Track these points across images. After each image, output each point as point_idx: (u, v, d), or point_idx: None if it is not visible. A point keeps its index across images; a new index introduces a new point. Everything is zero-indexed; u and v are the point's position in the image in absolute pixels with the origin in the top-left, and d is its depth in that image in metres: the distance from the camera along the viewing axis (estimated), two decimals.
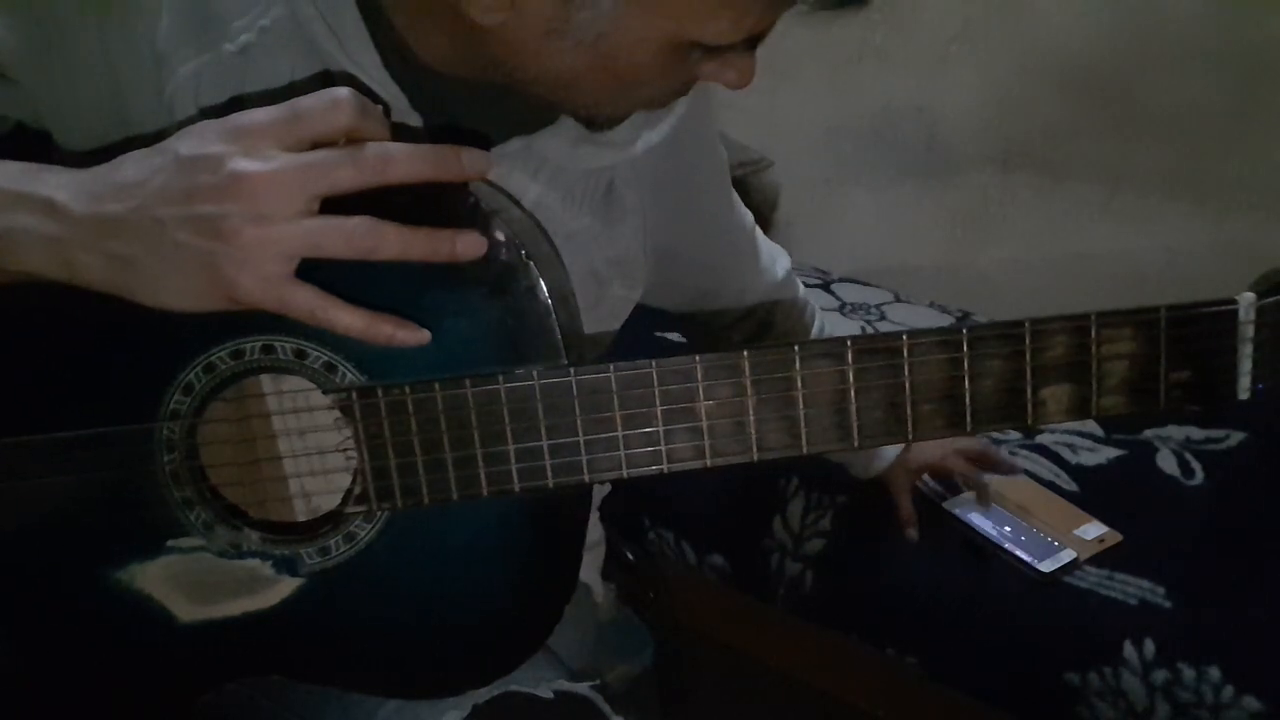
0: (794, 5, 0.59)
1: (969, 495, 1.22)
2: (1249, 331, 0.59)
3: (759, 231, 1.00)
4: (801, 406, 0.60)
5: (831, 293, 1.78)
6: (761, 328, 1.04)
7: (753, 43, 0.63)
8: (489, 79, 0.65)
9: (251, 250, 0.54)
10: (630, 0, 0.57)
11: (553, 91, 0.65)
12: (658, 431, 0.60)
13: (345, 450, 0.64)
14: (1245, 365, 0.60)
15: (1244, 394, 0.61)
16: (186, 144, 0.55)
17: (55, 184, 0.57)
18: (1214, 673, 1.02)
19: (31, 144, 0.65)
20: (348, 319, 0.57)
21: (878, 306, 1.73)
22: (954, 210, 1.95)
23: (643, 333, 0.90)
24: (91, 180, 0.56)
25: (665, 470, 0.61)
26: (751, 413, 0.60)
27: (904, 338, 0.59)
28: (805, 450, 0.60)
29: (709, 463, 0.61)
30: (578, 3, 0.57)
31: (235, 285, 0.55)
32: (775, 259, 1.03)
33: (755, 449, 0.60)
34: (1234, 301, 0.59)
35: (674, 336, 1.35)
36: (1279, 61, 1.55)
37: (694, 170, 0.85)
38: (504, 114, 0.68)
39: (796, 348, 0.59)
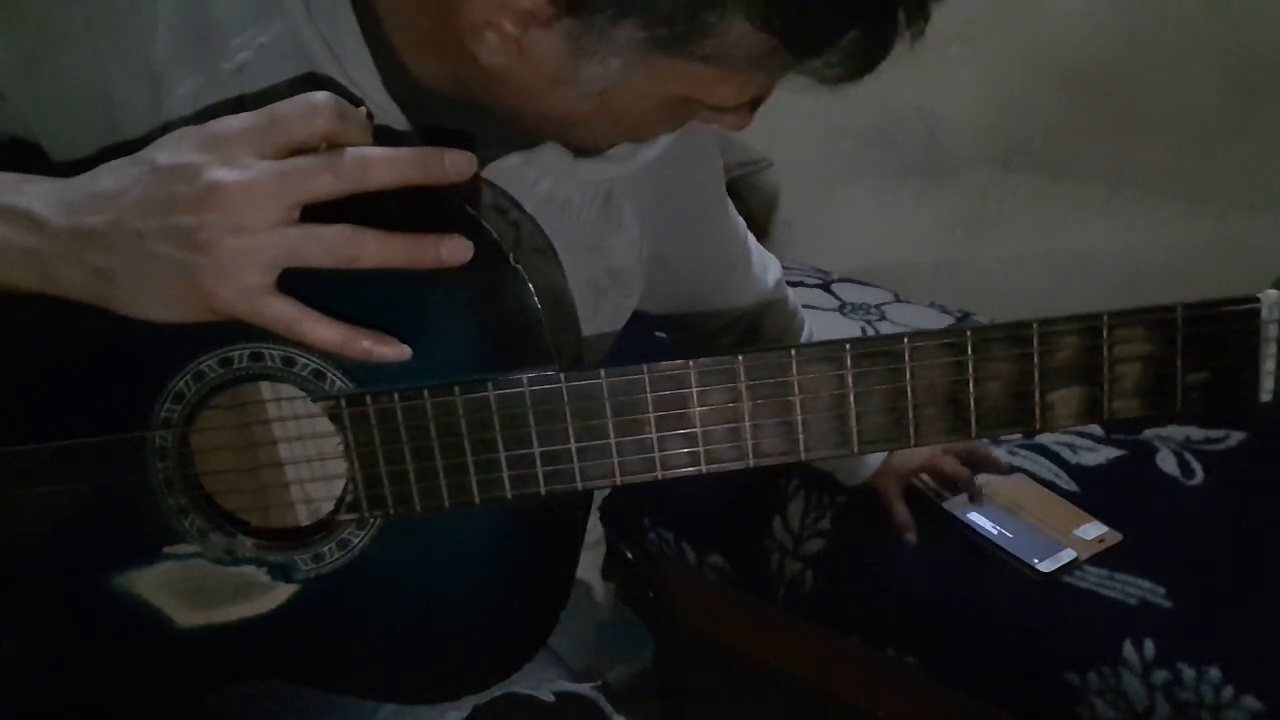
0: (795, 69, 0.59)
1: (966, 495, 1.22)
2: (1273, 331, 0.58)
3: (751, 238, 1.01)
4: (799, 412, 0.59)
5: (831, 293, 1.77)
6: (750, 333, 1.04)
7: (754, 104, 0.64)
8: (486, 104, 0.65)
9: (230, 261, 0.53)
10: (638, 63, 0.57)
11: (548, 127, 0.66)
12: (651, 438, 0.60)
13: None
14: (1269, 366, 0.58)
15: (1266, 396, 0.59)
16: (164, 153, 0.54)
17: (34, 195, 0.56)
18: (1214, 673, 1.01)
19: (25, 156, 0.65)
20: (323, 332, 0.56)
21: (878, 306, 1.72)
22: (954, 210, 1.95)
23: (641, 333, 0.90)
24: (70, 191, 0.56)
25: (660, 477, 0.60)
26: (747, 418, 0.59)
27: (905, 340, 0.58)
28: (803, 456, 0.59)
29: (704, 469, 0.60)
30: (585, 58, 0.57)
31: (214, 297, 0.54)
32: (767, 266, 1.03)
33: (751, 455, 0.59)
34: (1256, 299, 0.57)
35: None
36: (1279, 61, 1.55)
37: (691, 180, 0.85)
38: (503, 131, 0.68)
39: (793, 351, 0.58)
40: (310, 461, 0.67)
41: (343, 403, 0.61)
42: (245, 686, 0.72)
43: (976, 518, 1.18)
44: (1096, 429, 1.38)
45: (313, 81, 0.64)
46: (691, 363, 0.59)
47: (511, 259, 0.59)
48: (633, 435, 0.60)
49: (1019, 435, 1.37)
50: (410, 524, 0.64)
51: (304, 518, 0.68)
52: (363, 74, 0.64)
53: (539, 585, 0.68)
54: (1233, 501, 1.23)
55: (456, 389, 0.60)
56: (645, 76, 0.58)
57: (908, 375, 0.58)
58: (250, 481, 0.67)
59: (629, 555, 1.13)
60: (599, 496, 0.98)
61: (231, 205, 0.52)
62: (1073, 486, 1.27)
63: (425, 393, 0.60)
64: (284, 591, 0.66)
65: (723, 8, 0.54)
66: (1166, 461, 1.31)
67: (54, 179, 0.57)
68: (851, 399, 0.59)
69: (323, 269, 0.54)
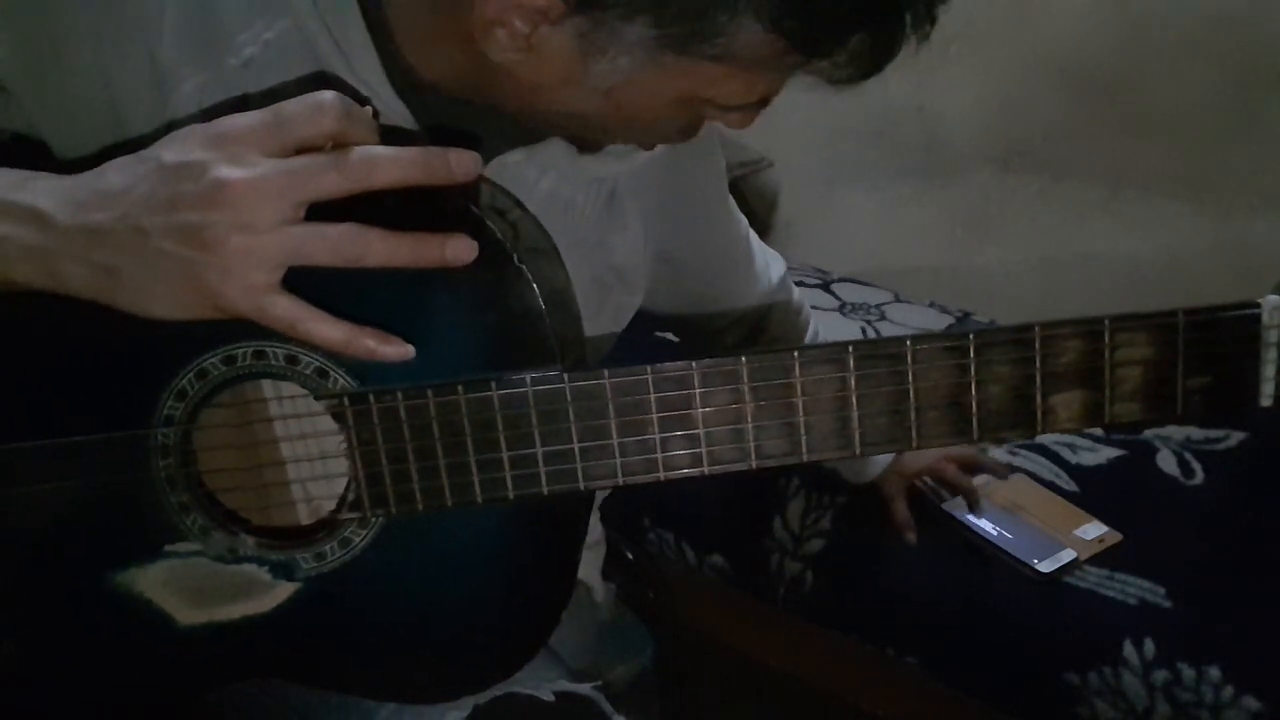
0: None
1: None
2: (1273, 336, 0.58)
3: (754, 236, 1.01)
4: (801, 413, 0.59)
5: (831, 293, 1.77)
6: (755, 331, 1.04)
7: (763, 103, 0.64)
8: (492, 101, 0.65)
9: (235, 259, 0.53)
10: (648, 61, 0.58)
11: (554, 123, 0.66)
12: (654, 439, 0.60)
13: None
14: (1269, 371, 0.58)
15: (1267, 401, 0.59)
16: (170, 151, 0.54)
17: (40, 192, 0.56)
18: (1214, 673, 1.02)
19: (29, 153, 0.64)
20: (327, 331, 0.56)
21: (878, 306, 1.72)
22: (954, 210, 1.95)
23: (642, 333, 0.90)
24: (76, 188, 0.56)
25: (662, 478, 0.60)
26: (750, 420, 0.59)
27: (908, 343, 0.58)
28: (805, 458, 0.59)
29: (706, 470, 0.60)
30: (595, 55, 0.58)
31: (219, 295, 0.54)
32: (770, 264, 1.03)
33: (754, 457, 0.59)
34: (1257, 305, 0.58)
35: (673, 336, 1.34)
36: (1279, 62, 1.55)
37: (694, 178, 0.85)
38: (507, 128, 0.68)
39: (796, 353, 0.58)
40: (312, 460, 0.67)
41: (346, 401, 0.61)
42: (246, 685, 0.72)
43: (977, 518, 1.19)
44: (1097, 429, 1.38)
45: (319, 79, 0.64)
46: (694, 364, 0.59)
47: (516, 259, 0.59)
48: (635, 436, 0.60)
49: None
50: (412, 523, 0.64)
51: (305, 516, 0.68)
52: (369, 71, 0.64)
53: (540, 585, 0.68)
54: (1233, 501, 1.24)
55: (460, 388, 0.60)
56: (655, 74, 0.59)
57: (910, 378, 0.58)
58: (252, 479, 0.67)
59: (629, 555, 1.13)
60: (599, 496, 0.98)
61: (237, 203, 0.52)
62: (1073, 486, 1.27)
63: (429, 392, 0.60)
64: (285, 590, 0.66)
65: (733, 8, 0.55)
66: (1166, 461, 1.31)
67: (59, 176, 0.57)
68: (854, 401, 0.59)
69: (328, 268, 0.54)
